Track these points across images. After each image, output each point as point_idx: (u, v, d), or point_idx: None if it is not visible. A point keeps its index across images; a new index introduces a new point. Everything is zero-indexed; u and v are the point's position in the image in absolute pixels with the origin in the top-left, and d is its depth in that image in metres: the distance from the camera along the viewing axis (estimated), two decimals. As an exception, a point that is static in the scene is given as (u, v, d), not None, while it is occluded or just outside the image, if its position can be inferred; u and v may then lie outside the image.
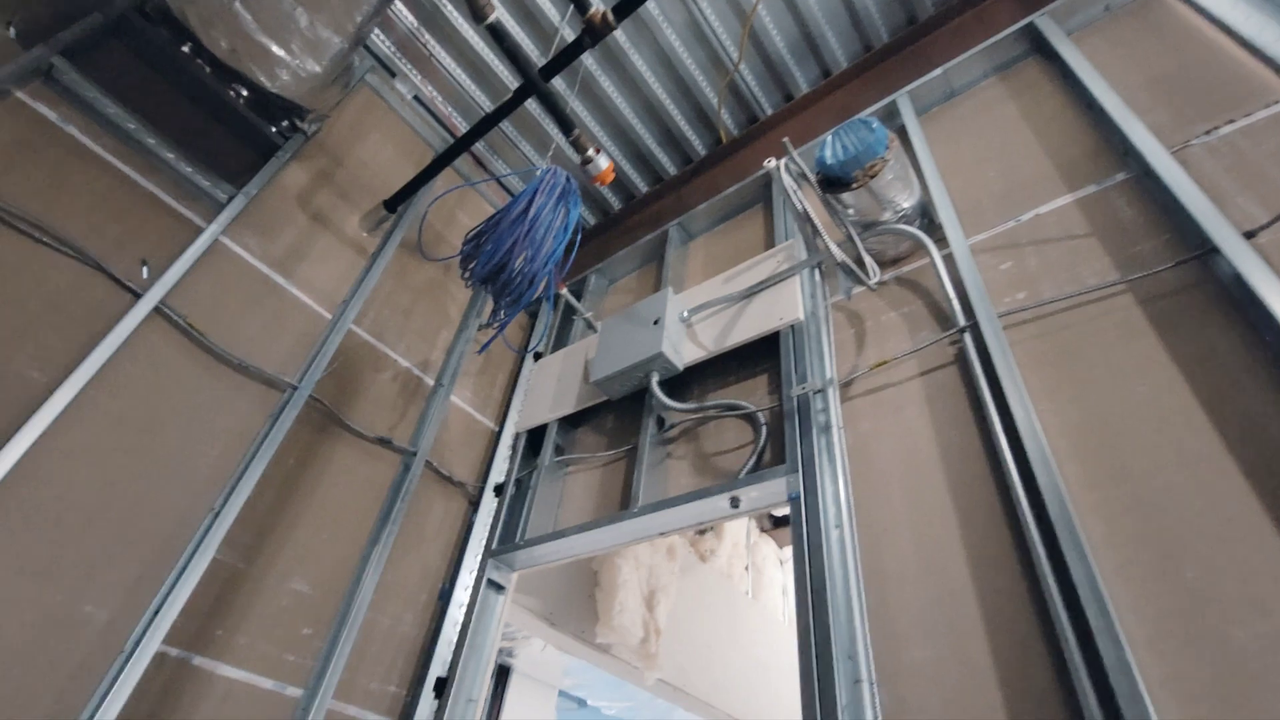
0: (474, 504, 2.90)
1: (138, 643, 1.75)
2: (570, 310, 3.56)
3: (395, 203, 2.95)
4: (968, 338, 1.88)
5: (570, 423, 3.03)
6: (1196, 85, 2.00)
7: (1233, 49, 1.98)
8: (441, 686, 2.34)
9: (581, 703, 5.29)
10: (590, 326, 3.20)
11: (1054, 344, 1.76)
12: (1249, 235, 1.56)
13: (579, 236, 2.23)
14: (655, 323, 2.53)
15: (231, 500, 2.05)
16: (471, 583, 2.62)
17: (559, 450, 2.94)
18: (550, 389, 3.08)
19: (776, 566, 6.01)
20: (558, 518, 2.71)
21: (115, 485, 1.88)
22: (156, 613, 1.80)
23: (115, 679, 1.68)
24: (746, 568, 5.40)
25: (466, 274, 2.12)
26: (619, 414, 2.85)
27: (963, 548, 1.60)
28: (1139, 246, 1.79)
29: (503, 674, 4.59)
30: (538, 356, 3.48)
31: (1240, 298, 1.53)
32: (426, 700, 2.30)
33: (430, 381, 2.97)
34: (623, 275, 3.74)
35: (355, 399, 2.63)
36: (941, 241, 2.17)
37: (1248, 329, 1.49)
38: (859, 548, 1.75)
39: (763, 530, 6.17)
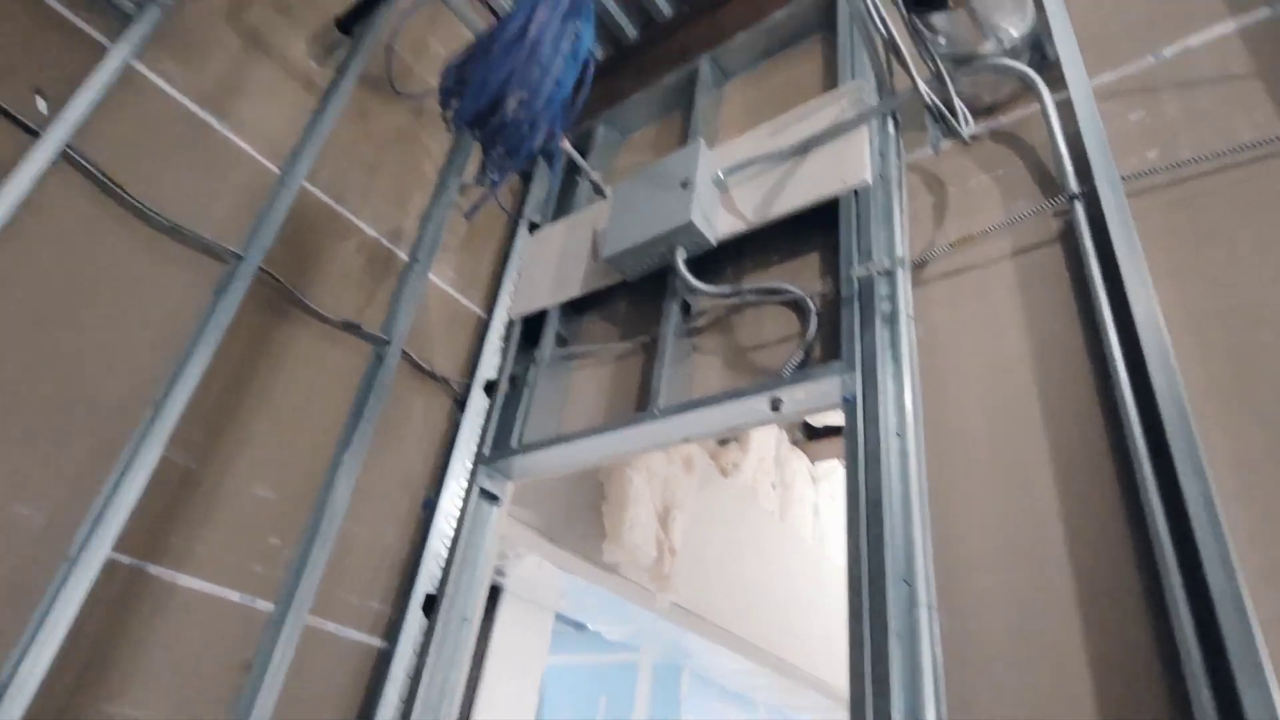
0: (460, 403, 2.94)
1: (81, 547, 1.83)
2: (574, 170, 3.44)
3: (350, 22, 2.77)
4: (1079, 207, 1.81)
5: (575, 308, 3.01)
6: None
7: None
8: (431, 604, 2.48)
9: (580, 627, 5.64)
10: (598, 190, 3.11)
11: (1191, 215, 1.69)
12: None
13: (591, 69, 2.09)
14: (683, 185, 2.44)
15: (175, 390, 2.07)
16: (461, 492, 2.72)
17: (561, 341, 2.94)
18: (550, 267, 3.04)
19: (808, 484, 6.21)
20: (561, 420, 2.76)
21: (36, 367, 1.89)
22: (101, 515, 1.87)
23: (60, 586, 1.77)
24: (774, 485, 5.59)
25: (448, 114, 2.02)
26: (635, 298, 2.82)
27: (1050, 461, 1.61)
28: (1317, 91, 1.67)
29: (493, 595, 4.88)
30: (533, 228, 3.40)
31: None
32: (414, 618, 2.44)
33: (403, 255, 2.93)
34: (639, 126, 3.59)
35: (314, 275, 2.60)
36: (1057, 83, 2.03)
37: None
38: (924, 459, 1.77)
39: (794, 443, 6.32)
